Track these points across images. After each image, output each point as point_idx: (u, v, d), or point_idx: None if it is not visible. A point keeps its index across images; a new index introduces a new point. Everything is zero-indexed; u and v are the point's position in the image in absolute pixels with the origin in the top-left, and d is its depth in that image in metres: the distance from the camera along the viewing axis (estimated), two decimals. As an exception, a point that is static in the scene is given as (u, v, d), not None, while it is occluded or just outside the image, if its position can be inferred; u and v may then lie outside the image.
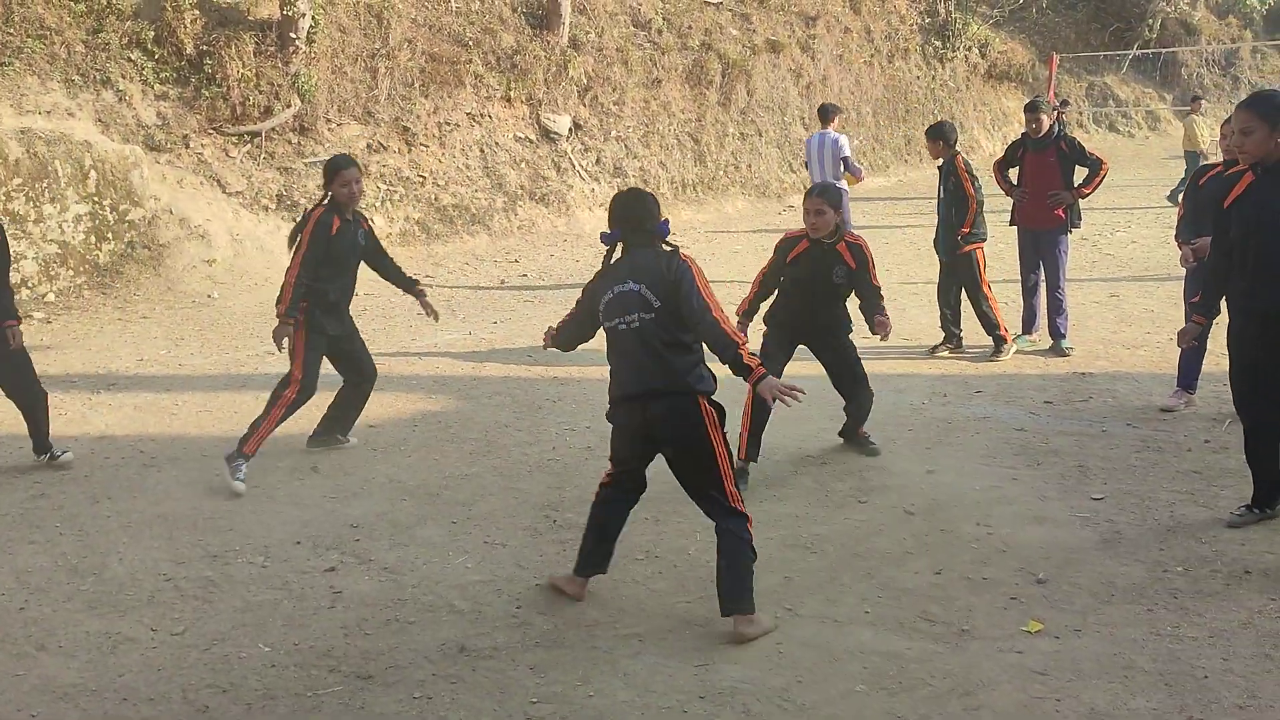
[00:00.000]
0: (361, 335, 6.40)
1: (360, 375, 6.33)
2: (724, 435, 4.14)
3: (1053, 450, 6.14)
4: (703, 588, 4.49)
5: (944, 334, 8.38)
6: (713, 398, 4.13)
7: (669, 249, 4.14)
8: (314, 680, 3.80)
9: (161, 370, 8.17)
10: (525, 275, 12.28)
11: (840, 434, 6.27)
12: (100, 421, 6.84)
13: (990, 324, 8.12)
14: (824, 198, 5.75)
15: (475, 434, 6.64)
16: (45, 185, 10.47)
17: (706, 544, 4.90)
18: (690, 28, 17.88)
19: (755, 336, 5.97)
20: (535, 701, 3.66)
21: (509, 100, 15.13)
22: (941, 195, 8.19)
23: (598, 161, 15.92)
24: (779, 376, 5.67)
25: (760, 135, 18.24)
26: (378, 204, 13.19)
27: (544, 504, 5.49)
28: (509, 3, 15.79)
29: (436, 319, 6.55)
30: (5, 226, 6.39)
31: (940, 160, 8.25)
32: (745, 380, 4.02)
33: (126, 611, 4.30)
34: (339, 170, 5.89)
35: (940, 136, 8.19)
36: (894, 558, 4.77)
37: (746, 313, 6.09)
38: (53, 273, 10.40)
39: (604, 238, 4.22)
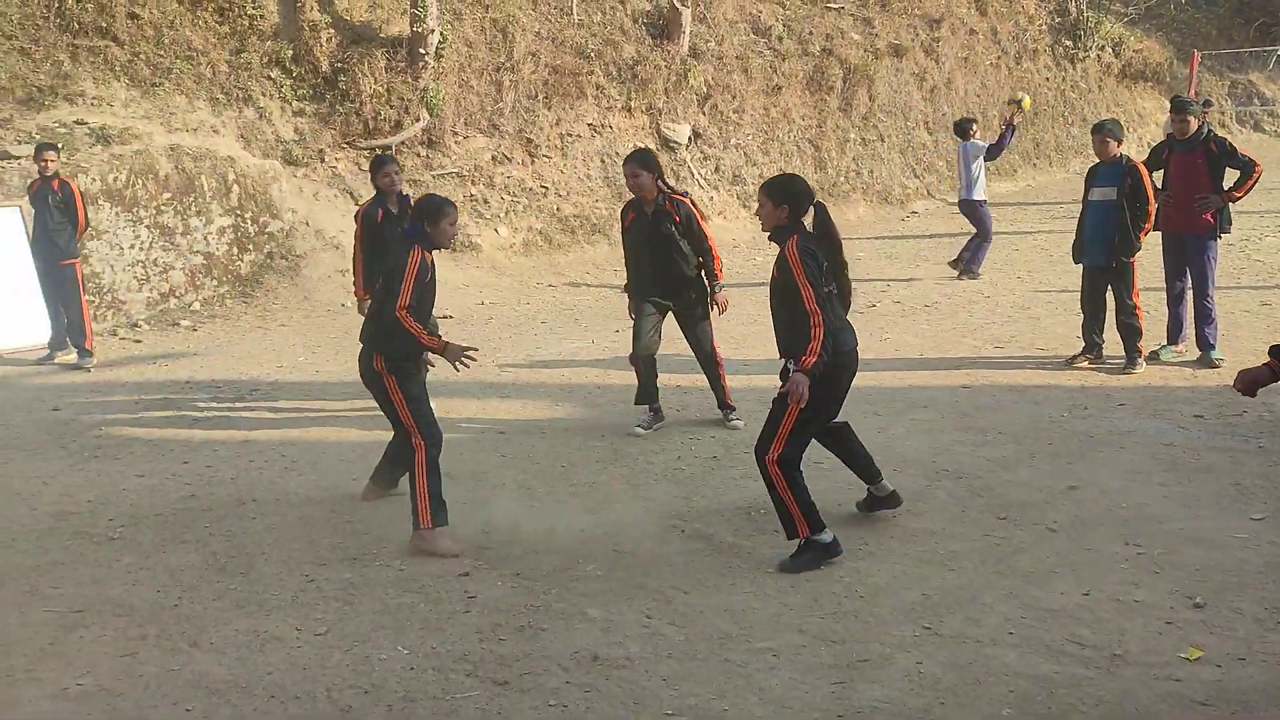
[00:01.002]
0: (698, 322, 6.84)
1: (696, 353, 6.93)
2: (397, 380, 5.05)
3: (1205, 467, 5.83)
4: (837, 604, 4.41)
5: (1084, 343, 8.05)
6: (391, 357, 5.09)
7: (416, 247, 5.09)
8: (451, 684, 3.86)
9: (300, 377, 8.45)
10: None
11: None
12: (244, 426, 7.11)
13: (1133, 335, 7.77)
14: (764, 191, 4.91)
15: (602, 442, 6.67)
16: (192, 199, 10.98)
17: (846, 554, 4.82)
18: (811, 33, 17.69)
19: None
20: (670, 714, 3.63)
21: (629, 110, 15.21)
22: (1110, 197, 7.69)
23: (717, 170, 15.88)
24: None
25: (882, 141, 17.93)
26: (502, 214, 13.43)
27: (671, 513, 5.47)
28: (630, 14, 15.90)
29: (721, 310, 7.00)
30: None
31: (1101, 159, 7.86)
32: (436, 354, 5.12)
33: (272, 611, 4.44)
34: (623, 167, 6.68)
35: (1114, 135, 7.78)
36: (1038, 577, 4.59)
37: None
38: (198, 283, 10.88)
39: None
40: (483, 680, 3.88)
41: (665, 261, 6.63)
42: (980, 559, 4.79)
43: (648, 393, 6.88)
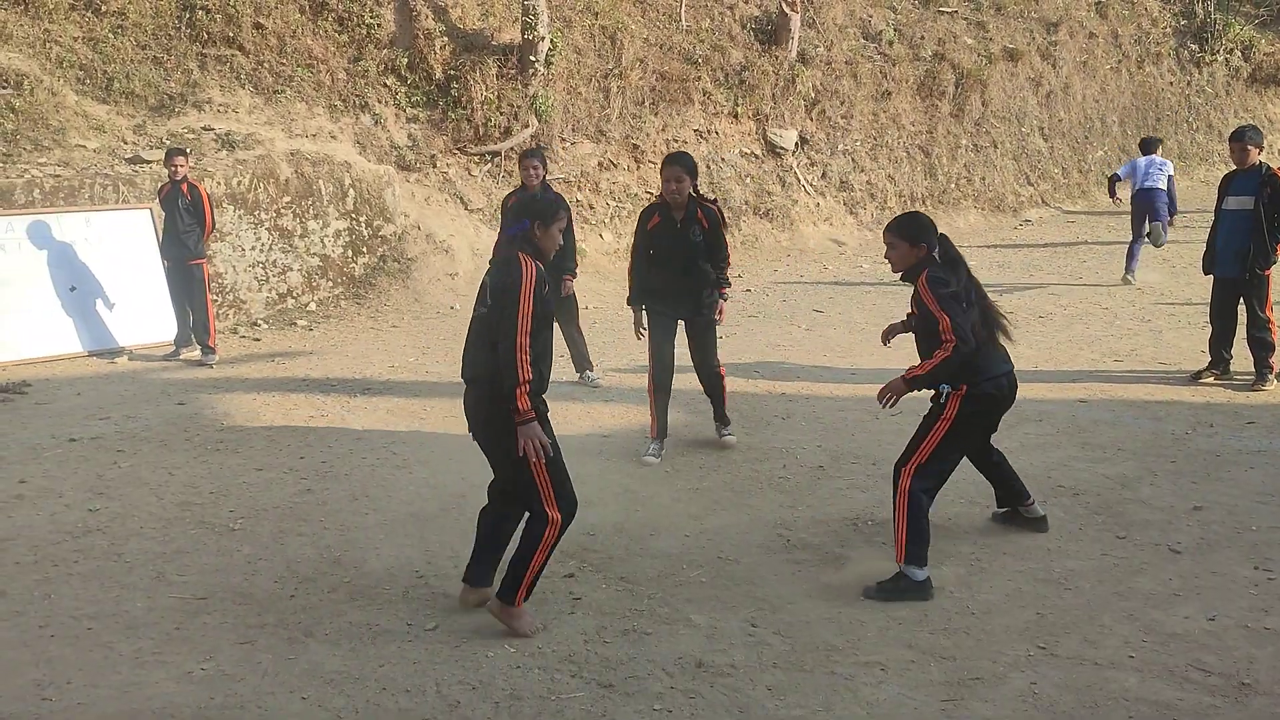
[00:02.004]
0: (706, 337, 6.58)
1: (699, 365, 6.64)
2: (535, 432, 4.04)
3: (1343, 490, 5.54)
4: (947, 619, 4.31)
5: (1211, 358, 7.73)
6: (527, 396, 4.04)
7: (523, 256, 4.15)
8: (557, 684, 3.89)
9: (410, 377, 8.65)
10: (749, 290, 12.26)
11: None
12: (357, 423, 7.30)
13: (1265, 350, 7.43)
14: (894, 233, 4.71)
15: (705, 448, 6.65)
16: (310, 203, 11.34)
17: (956, 569, 4.71)
18: (922, 38, 17.40)
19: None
20: (775, 724, 3.60)
21: (736, 116, 15.19)
22: (1247, 206, 7.39)
23: (823, 175, 15.73)
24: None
25: (995, 147, 17.52)
26: (606, 220, 13.53)
27: (776, 522, 5.43)
28: (738, 20, 15.87)
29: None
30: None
31: (1239, 167, 7.53)
32: (512, 417, 4.05)
33: (384, 605, 4.55)
34: (663, 168, 6.36)
35: (1255, 142, 7.47)
36: (1160, 599, 4.42)
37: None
38: (314, 284, 11.23)
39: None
40: (588, 682, 3.90)
41: (688, 269, 6.38)
42: (1098, 579, 4.63)
43: (665, 424, 6.57)
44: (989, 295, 4.83)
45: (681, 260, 6.36)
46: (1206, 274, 7.83)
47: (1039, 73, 18.50)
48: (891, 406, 4.62)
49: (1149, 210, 11.93)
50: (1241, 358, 7.66)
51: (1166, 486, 5.70)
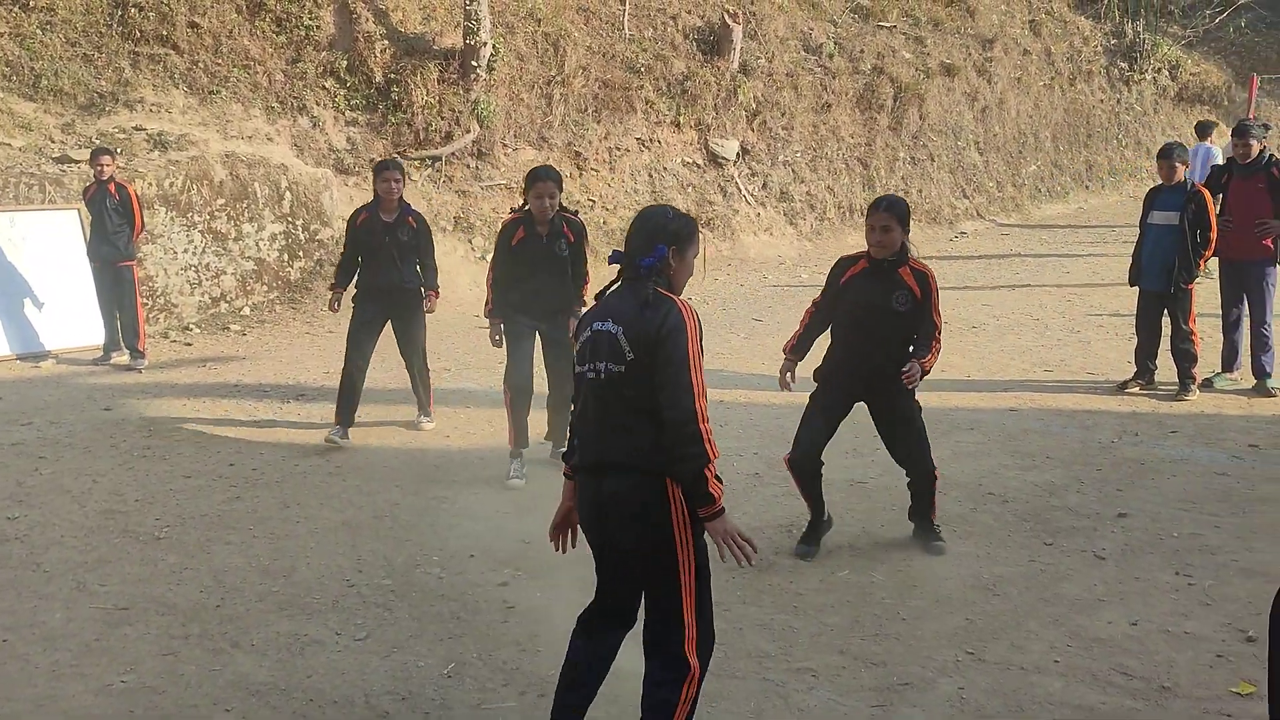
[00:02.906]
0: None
1: (554, 382, 6.39)
2: (694, 541, 3.16)
3: (1260, 498, 5.70)
4: (879, 625, 4.35)
5: (1137, 368, 7.92)
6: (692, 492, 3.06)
7: (663, 292, 3.15)
8: (489, 693, 3.86)
9: (345, 383, 8.51)
10: (689, 299, 12.28)
11: (909, 516, 5.23)
12: (290, 430, 7.18)
13: (1188, 361, 7.63)
14: (891, 213, 4.82)
15: (643, 456, 6.64)
16: (245, 205, 11.15)
17: (888, 576, 4.76)
18: (862, 51, 17.63)
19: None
20: (707, 731, 3.60)
21: (678, 126, 15.24)
22: (1172, 222, 7.51)
23: (764, 186, 15.85)
24: (819, 446, 5.06)
25: (932, 160, 17.80)
26: (548, 226, 13.50)
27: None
28: (681, 30, 15.94)
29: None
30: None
31: (1166, 183, 7.70)
32: (698, 509, 3.08)
33: (313, 614, 4.47)
34: (533, 182, 6.12)
35: (1183, 159, 7.67)
36: (1084, 605, 4.51)
37: (795, 349, 5.35)
38: (249, 288, 11.04)
39: (610, 257, 3.35)
40: (520, 691, 3.87)
41: (552, 284, 6.23)
42: (1025, 585, 4.71)
43: (526, 434, 6.30)
44: None
45: (546, 274, 6.19)
46: (1132, 286, 8.02)
47: (975, 88, 18.84)
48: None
49: None
50: (1166, 368, 7.86)
51: (1093, 494, 5.82)
